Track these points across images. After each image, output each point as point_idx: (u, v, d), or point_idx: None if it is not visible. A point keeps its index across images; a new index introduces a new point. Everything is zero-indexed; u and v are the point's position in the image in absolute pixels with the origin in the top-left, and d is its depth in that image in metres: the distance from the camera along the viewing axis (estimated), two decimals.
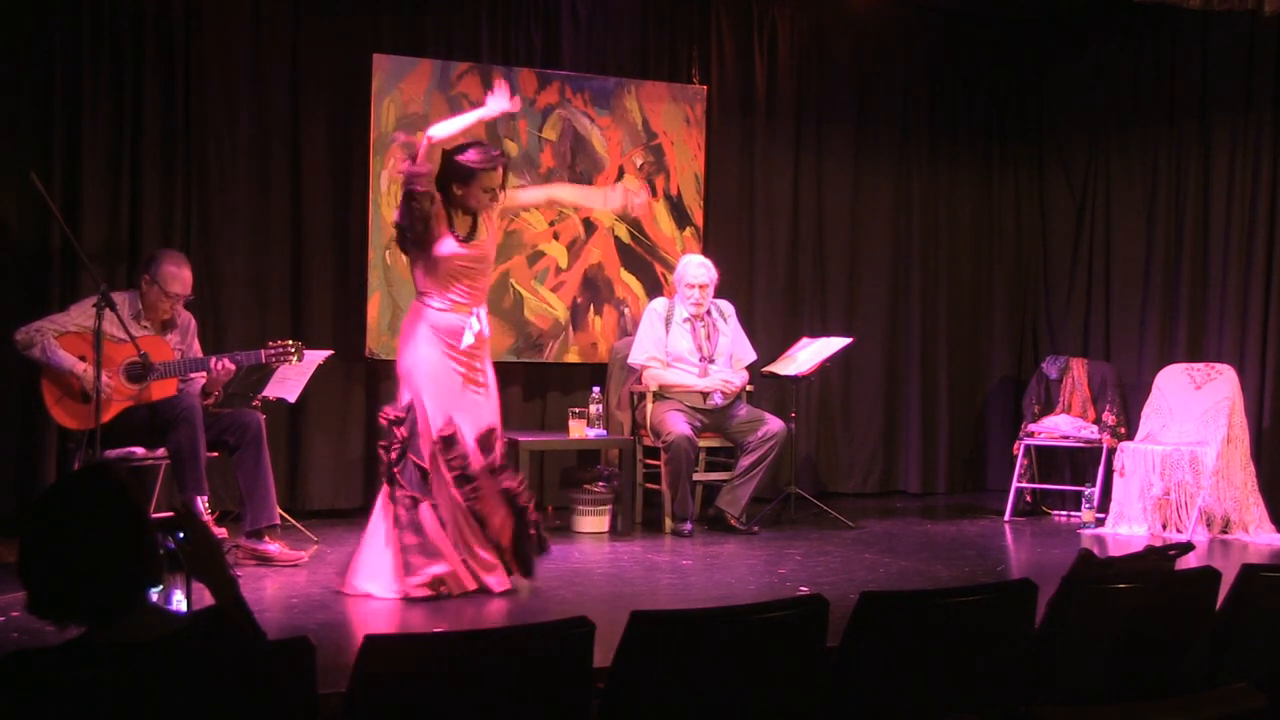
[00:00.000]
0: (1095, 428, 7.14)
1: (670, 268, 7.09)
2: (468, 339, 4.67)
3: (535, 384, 7.14)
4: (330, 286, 6.66)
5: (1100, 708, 2.22)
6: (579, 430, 6.21)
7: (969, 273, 8.32)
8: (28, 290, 5.92)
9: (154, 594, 2.16)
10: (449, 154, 4.64)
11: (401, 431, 4.64)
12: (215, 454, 5.33)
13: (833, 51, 7.88)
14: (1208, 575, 3.27)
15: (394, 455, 4.65)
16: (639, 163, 7.29)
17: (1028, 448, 7.24)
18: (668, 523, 6.30)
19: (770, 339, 7.38)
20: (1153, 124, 7.63)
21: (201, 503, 4.97)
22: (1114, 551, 5.86)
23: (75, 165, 6.06)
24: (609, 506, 6.25)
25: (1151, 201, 7.62)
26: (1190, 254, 7.37)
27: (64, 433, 5.40)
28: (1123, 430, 7.07)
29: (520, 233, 6.97)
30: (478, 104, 6.77)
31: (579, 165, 7.15)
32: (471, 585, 4.62)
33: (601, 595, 4.74)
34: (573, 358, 7.16)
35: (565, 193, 5.01)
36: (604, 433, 6.34)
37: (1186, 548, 3.62)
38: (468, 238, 4.70)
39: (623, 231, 7.26)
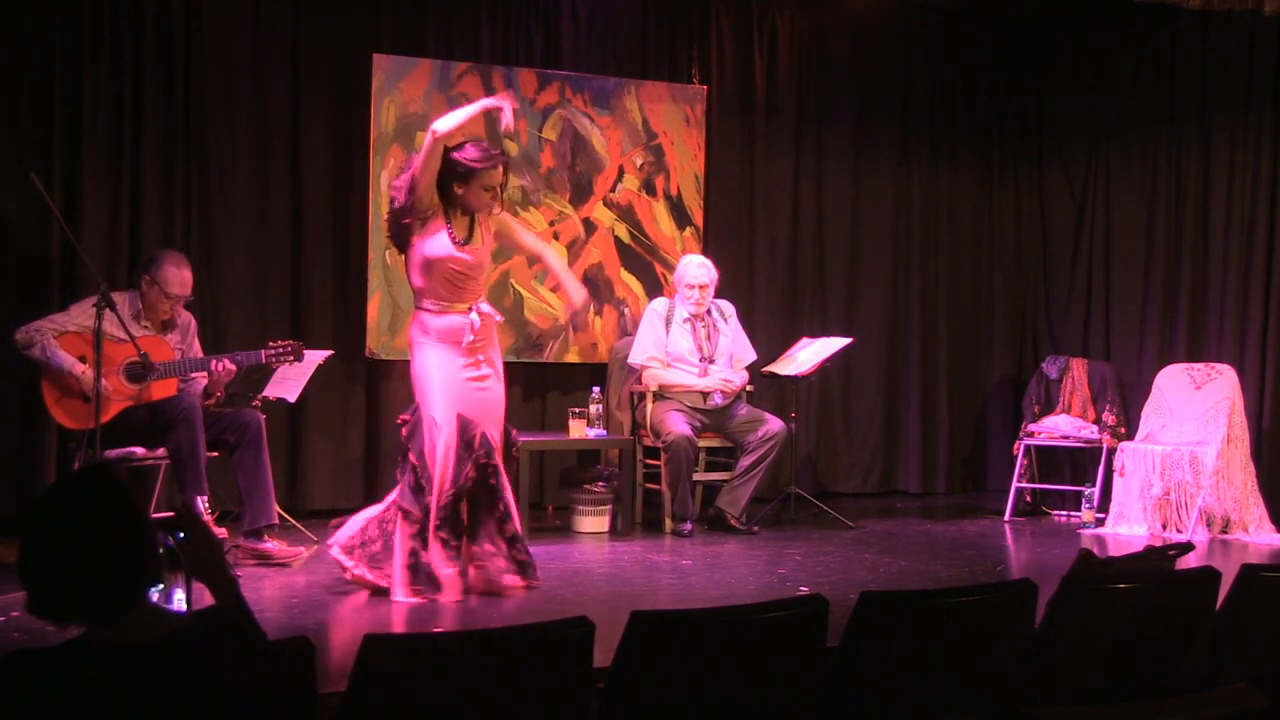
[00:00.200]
0: (1095, 428, 7.14)
1: (670, 268, 7.09)
2: (468, 336, 4.68)
3: (535, 384, 7.14)
4: (330, 287, 6.66)
5: (1100, 708, 2.21)
6: (579, 430, 6.21)
7: (969, 273, 8.32)
8: (28, 290, 5.92)
9: (154, 594, 2.16)
10: (449, 151, 4.63)
11: (404, 433, 4.67)
12: (215, 454, 5.33)
13: (833, 51, 7.88)
14: (1208, 575, 3.27)
15: (399, 459, 4.71)
16: (639, 163, 7.29)
17: (1028, 448, 7.24)
18: (668, 523, 6.30)
19: (770, 339, 7.38)
20: (1153, 124, 7.63)
21: (201, 503, 4.97)
22: (1114, 551, 5.86)
23: (75, 165, 6.06)
24: (609, 506, 6.25)
25: (1151, 201, 7.62)
26: (1190, 254, 7.37)
27: (64, 433, 5.40)
28: (1123, 430, 7.07)
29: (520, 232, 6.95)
30: None
31: (579, 165, 7.15)
32: (472, 588, 4.63)
33: (601, 595, 4.74)
34: (573, 358, 7.16)
35: (552, 259, 5.06)
36: (604, 433, 6.34)
37: (1186, 548, 3.61)
38: (465, 241, 4.70)
39: (623, 232, 7.26)
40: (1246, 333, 7.06)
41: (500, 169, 4.69)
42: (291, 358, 5.38)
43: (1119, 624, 3.12)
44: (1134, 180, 7.75)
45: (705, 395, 6.45)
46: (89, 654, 1.97)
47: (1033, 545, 6.34)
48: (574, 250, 7.15)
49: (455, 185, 4.64)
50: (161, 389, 5.20)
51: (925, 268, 8.15)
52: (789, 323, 7.68)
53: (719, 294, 6.70)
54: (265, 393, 5.84)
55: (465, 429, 4.60)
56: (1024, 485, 7.23)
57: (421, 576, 4.54)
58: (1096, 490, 6.84)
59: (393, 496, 4.72)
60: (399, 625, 4.27)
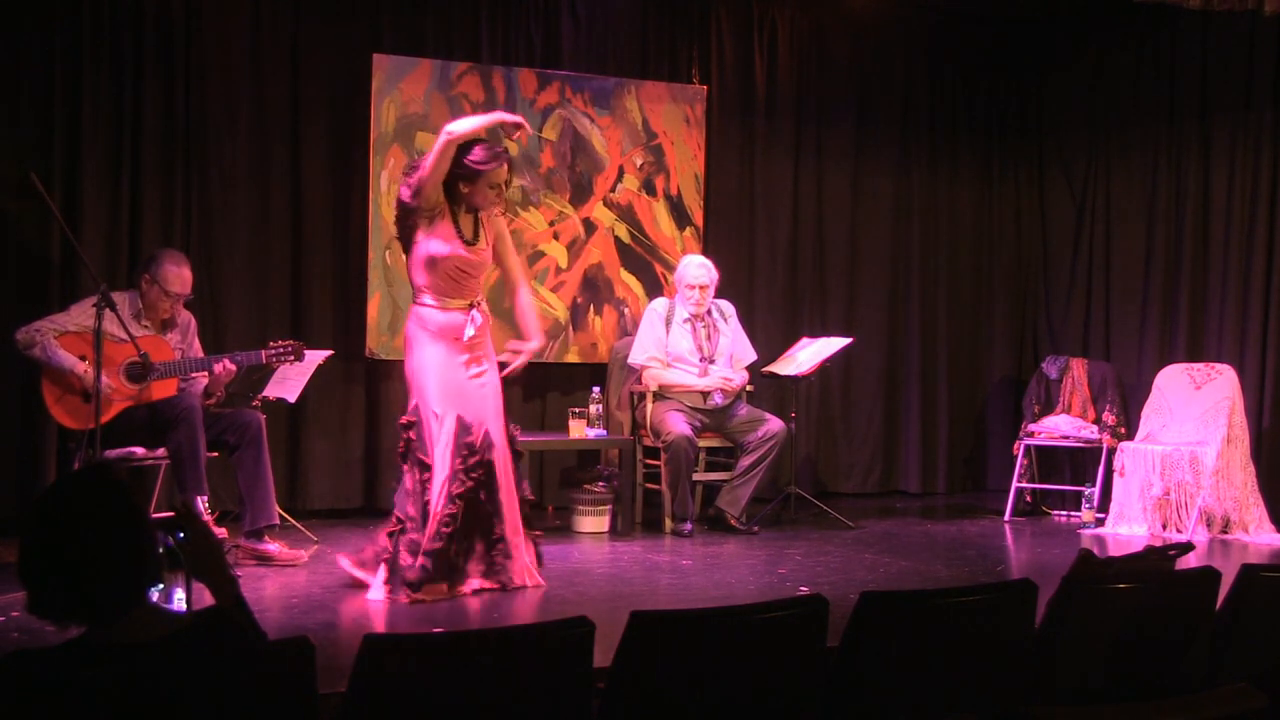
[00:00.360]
0: (1095, 428, 7.14)
1: (670, 268, 7.09)
2: (469, 331, 4.70)
3: (535, 384, 7.13)
4: (330, 286, 6.66)
5: (1100, 708, 2.21)
6: (579, 430, 6.21)
7: (969, 273, 8.32)
8: (28, 290, 5.92)
9: (154, 594, 2.16)
10: (458, 152, 4.67)
11: (409, 434, 4.67)
12: (215, 454, 5.33)
13: (833, 51, 7.88)
14: (1208, 575, 3.27)
15: (398, 459, 4.72)
16: (639, 163, 7.29)
17: (1028, 448, 7.24)
18: (668, 523, 6.30)
19: (770, 339, 7.38)
20: (1153, 124, 7.63)
21: (201, 503, 4.97)
22: (1114, 551, 5.86)
23: (75, 165, 6.06)
24: (609, 506, 6.25)
25: (1151, 201, 7.62)
26: (1190, 254, 7.37)
27: (64, 433, 5.40)
28: (1123, 430, 7.07)
29: (520, 233, 6.96)
30: (477, 105, 6.86)
31: (579, 165, 7.15)
32: (466, 588, 4.63)
33: (601, 595, 4.74)
34: (573, 358, 7.16)
35: (524, 296, 5.06)
36: (604, 433, 6.34)
37: (1186, 548, 3.61)
38: (471, 240, 4.72)
39: (623, 232, 7.26)
40: (1246, 333, 7.05)
41: (504, 166, 4.73)
42: (292, 358, 5.38)
43: (1119, 624, 3.12)
44: (1134, 180, 7.75)
45: (705, 395, 6.45)
46: (89, 654, 1.97)
47: (1033, 545, 6.34)
48: (574, 250, 7.15)
49: (461, 184, 4.68)
50: (161, 389, 5.20)
51: (925, 268, 8.15)
52: (789, 323, 7.68)
53: (719, 294, 6.70)
54: (265, 393, 5.84)
55: (465, 428, 4.61)
56: (1024, 485, 7.23)
57: (397, 578, 4.56)
58: (1096, 490, 6.84)
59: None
60: (399, 625, 4.27)
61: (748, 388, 6.67)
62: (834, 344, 6.88)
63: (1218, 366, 6.78)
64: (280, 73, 6.54)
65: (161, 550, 2.17)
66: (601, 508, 6.23)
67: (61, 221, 5.29)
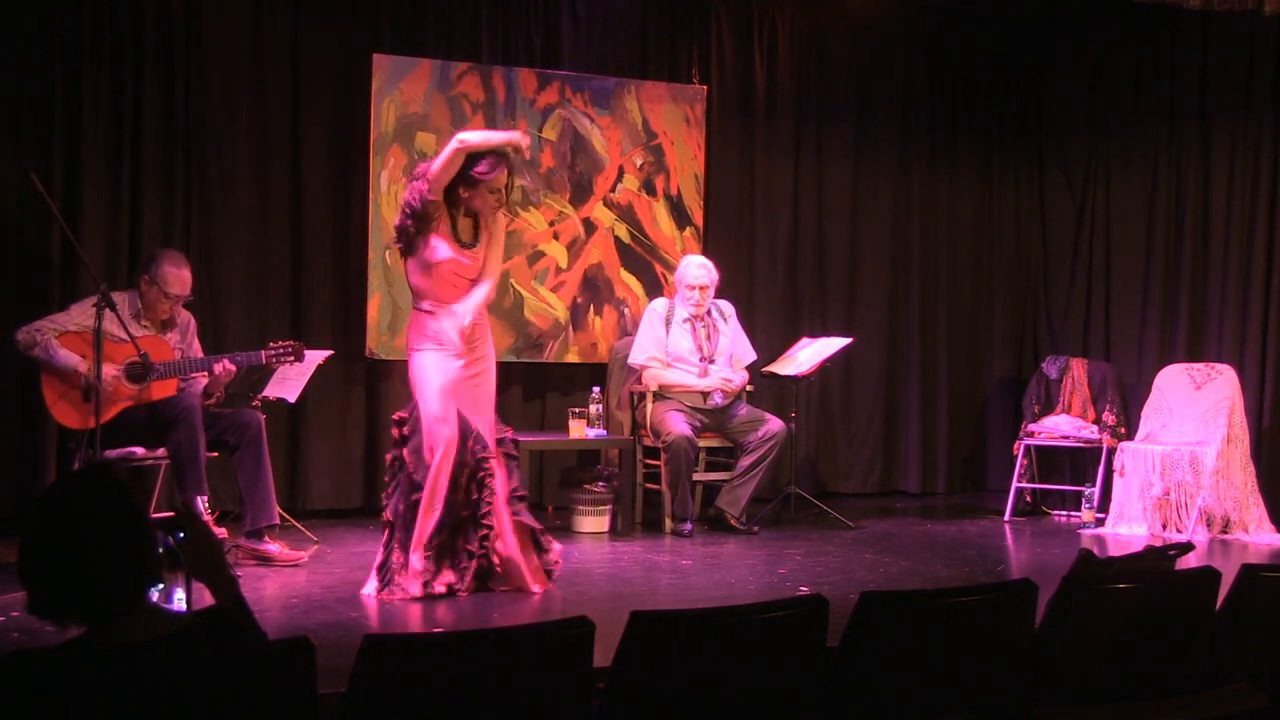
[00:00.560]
0: (1095, 428, 7.14)
1: (670, 268, 7.09)
2: (463, 324, 4.71)
3: (535, 384, 7.14)
4: (330, 286, 6.66)
5: (1100, 708, 2.21)
6: (579, 430, 6.21)
7: (969, 273, 8.32)
8: (28, 290, 5.92)
9: (154, 594, 2.16)
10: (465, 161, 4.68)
11: (405, 431, 4.67)
12: (215, 454, 5.33)
13: (833, 51, 7.88)
14: (1208, 575, 3.27)
15: (388, 460, 4.74)
16: (639, 163, 7.29)
17: (1028, 448, 7.24)
18: (668, 523, 6.30)
19: (770, 339, 7.38)
20: (1153, 124, 7.63)
21: (201, 503, 4.97)
22: (1114, 551, 5.86)
23: (75, 165, 6.06)
24: (609, 506, 6.25)
25: (1151, 201, 7.63)
26: (1190, 254, 7.37)
27: (64, 433, 5.40)
28: (1123, 430, 7.07)
29: (520, 233, 6.96)
30: (477, 105, 6.87)
31: (579, 165, 7.15)
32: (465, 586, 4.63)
33: (601, 595, 4.75)
34: (573, 358, 7.16)
35: (481, 290, 4.90)
36: (604, 433, 6.34)
37: (1186, 548, 3.61)
38: (470, 244, 4.73)
39: (623, 231, 7.26)
40: (1246, 333, 7.06)
41: (505, 171, 4.73)
42: (292, 358, 5.37)
43: (1119, 624, 3.12)
44: (1134, 180, 7.75)
45: (705, 395, 6.45)
46: (89, 654, 1.97)
47: (1033, 545, 6.34)
48: (574, 250, 7.15)
49: (461, 189, 4.68)
50: (161, 389, 5.20)
51: (925, 268, 8.14)
52: (789, 323, 7.68)
53: (719, 294, 6.70)
54: (265, 393, 5.84)
55: (466, 431, 4.63)
56: (1024, 485, 7.22)
57: (391, 575, 4.58)
58: (1096, 490, 6.84)
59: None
60: (399, 625, 4.27)
61: (748, 388, 6.68)
62: (834, 344, 6.88)
63: (1218, 366, 6.78)
64: (280, 73, 6.54)
65: (161, 550, 2.17)
66: (601, 508, 6.23)
67: (61, 221, 5.30)
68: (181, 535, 2.31)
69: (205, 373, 5.30)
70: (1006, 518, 7.06)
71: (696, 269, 6.53)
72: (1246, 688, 2.13)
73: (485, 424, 4.74)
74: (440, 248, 4.66)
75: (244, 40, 6.45)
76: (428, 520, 4.57)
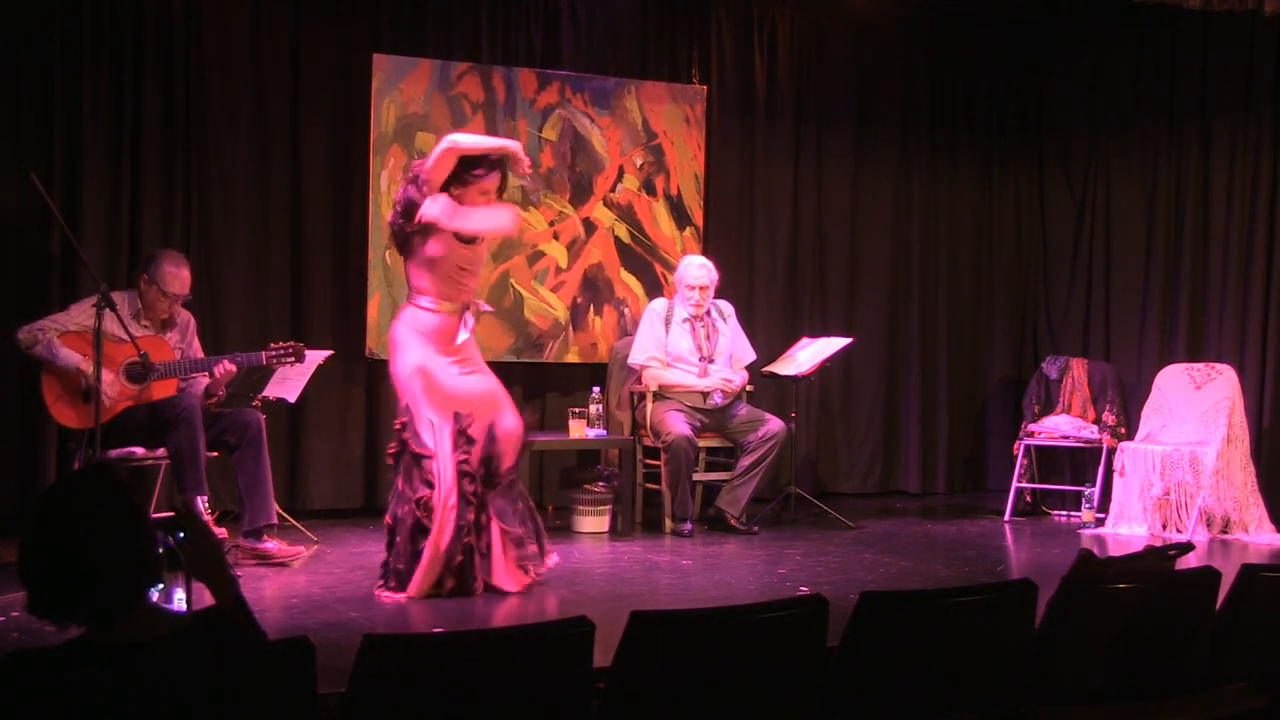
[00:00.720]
0: (1095, 428, 7.14)
1: (670, 268, 7.09)
2: (462, 335, 4.71)
3: (535, 384, 7.14)
4: (330, 287, 6.66)
5: (1100, 708, 2.22)
6: (579, 430, 6.21)
7: (969, 273, 8.32)
8: (28, 290, 5.92)
9: (154, 594, 2.16)
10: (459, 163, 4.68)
11: (405, 437, 4.67)
12: (215, 454, 5.33)
13: (833, 51, 7.88)
14: (1208, 575, 3.27)
15: (390, 462, 4.74)
16: (639, 163, 7.29)
17: (1028, 448, 7.24)
18: (668, 523, 6.30)
19: (770, 339, 7.38)
20: (1153, 124, 7.63)
21: (201, 503, 4.97)
22: (1114, 551, 5.86)
23: (75, 165, 6.06)
24: (609, 506, 6.25)
25: (1151, 201, 7.63)
26: (1190, 254, 7.37)
27: (64, 433, 5.40)
28: (1123, 430, 7.07)
29: (520, 233, 6.96)
30: (477, 105, 6.87)
31: (579, 165, 7.15)
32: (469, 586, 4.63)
33: (601, 595, 4.74)
34: (573, 358, 7.16)
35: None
36: (604, 433, 6.34)
37: (1186, 548, 3.61)
38: (470, 240, 4.73)
39: (623, 231, 7.26)
40: (1246, 333, 7.06)
41: (499, 178, 4.73)
42: (292, 358, 5.37)
43: (1119, 624, 3.12)
44: (1134, 180, 7.75)
45: (705, 395, 6.45)
46: (89, 654, 1.97)
47: (1033, 545, 6.34)
48: (574, 250, 7.15)
49: (453, 187, 4.68)
50: (162, 389, 5.20)
51: (925, 267, 8.15)
52: (789, 323, 7.68)
53: (718, 294, 6.71)
54: (265, 393, 5.84)
55: (462, 429, 4.62)
56: (1024, 485, 7.22)
57: (393, 577, 4.60)
58: (1096, 490, 6.84)
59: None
60: (399, 625, 4.27)
61: (748, 388, 6.68)
62: (834, 344, 6.88)
63: (1218, 366, 6.78)
64: (280, 73, 6.54)
65: (161, 550, 2.17)
66: (601, 508, 6.23)
67: (61, 221, 5.30)
68: (181, 535, 2.30)
69: (205, 373, 5.30)
70: (1006, 518, 7.06)
71: (696, 269, 6.53)
72: (1246, 688, 2.13)
73: (500, 418, 4.71)
74: (439, 245, 4.65)
75: (244, 40, 6.45)
76: (448, 525, 4.56)
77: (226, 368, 5.25)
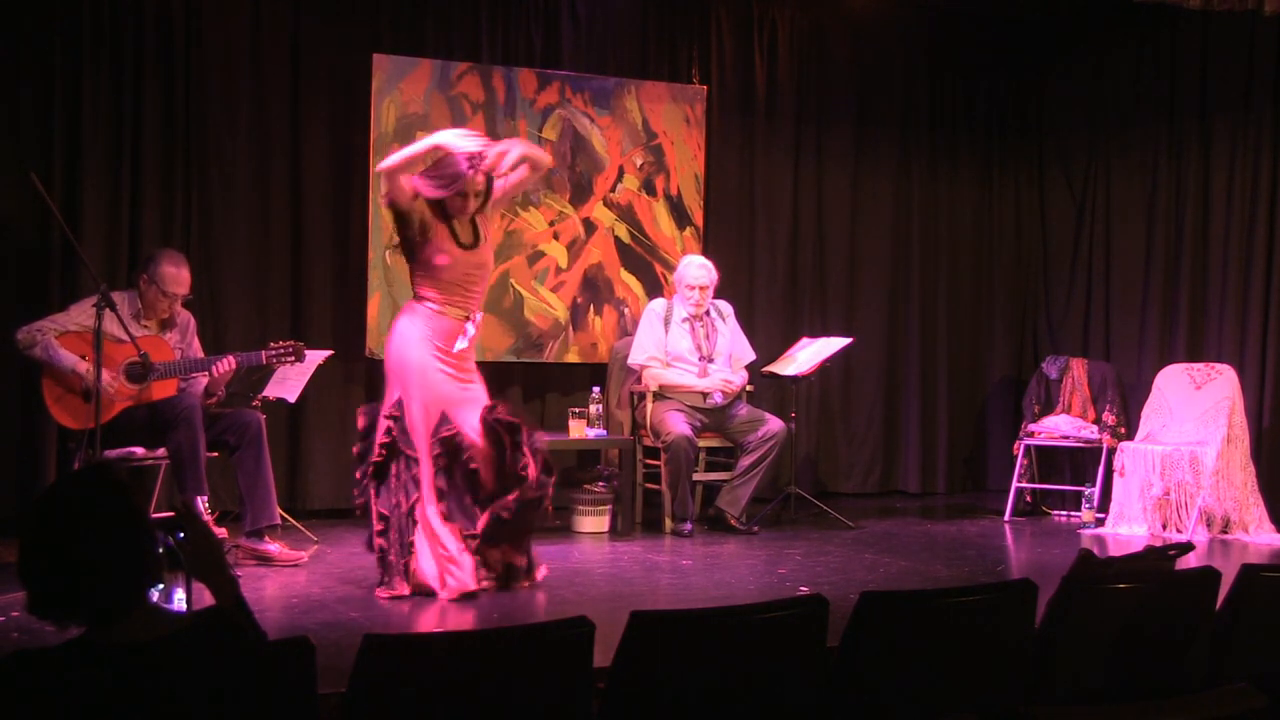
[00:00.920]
0: (1095, 428, 7.14)
1: (670, 268, 7.09)
2: (460, 344, 4.70)
3: (535, 384, 7.14)
4: (330, 286, 6.66)
5: (1100, 708, 2.22)
6: (579, 430, 6.21)
7: (969, 273, 8.32)
8: (28, 290, 5.92)
9: (154, 594, 2.16)
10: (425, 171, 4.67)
11: (393, 429, 4.66)
12: (215, 454, 5.33)
13: (833, 51, 7.88)
14: (1208, 575, 3.27)
15: (371, 457, 4.73)
16: (639, 163, 7.29)
17: (1028, 448, 7.24)
18: (668, 523, 6.30)
19: (770, 339, 7.38)
20: (1153, 124, 7.63)
21: (201, 503, 4.97)
22: (1114, 551, 5.86)
23: (75, 165, 6.06)
24: (609, 506, 6.25)
25: (1151, 201, 7.63)
26: (1190, 254, 7.37)
27: (64, 433, 5.39)
28: (1123, 430, 7.07)
29: (520, 233, 6.97)
30: (477, 105, 6.86)
31: (579, 165, 7.15)
32: (455, 586, 4.62)
33: (601, 595, 4.74)
34: (573, 358, 7.15)
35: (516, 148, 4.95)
36: (604, 433, 6.34)
37: (1186, 548, 3.61)
38: (471, 244, 4.72)
39: (623, 231, 7.26)
40: (1246, 333, 7.06)
41: (474, 177, 4.64)
42: (292, 358, 5.37)
43: (1119, 624, 3.12)
44: (1134, 180, 7.75)
45: (705, 395, 6.45)
46: (89, 654, 1.97)
47: (1033, 545, 6.34)
48: (574, 250, 7.15)
49: (447, 202, 4.69)
50: (162, 389, 5.20)
51: (925, 267, 8.14)
52: (789, 323, 7.68)
53: (718, 294, 6.71)
54: (265, 393, 5.84)
55: (448, 429, 4.62)
56: (1024, 485, 7.22)
57: (392, 573, 4.60)
58: (1096, 490, 6.84)
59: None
60: (399, 625, 4.27)
61: (748, 388, 6.68)
62: (834, 344, 6.88)
63: (1218, 366, 6.78)
64: (280, 73, 6.54)
65: (161, 550, 2.17)
66: (601, 508, 6.23)
67: (61, 221, 5.29)
68: (181, 535, 2.30)
69: (205, 373, 5.30)
70: (1006, 518, 7.06)
71: (696, 269, 6.53)
72: (1246, 688, 2.13)
73: (473, 429, 4.71)
74: (443, 254, 4.66)
75: (244, 40, 6.45)
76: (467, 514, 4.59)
77: (227, 365, 5.24)
